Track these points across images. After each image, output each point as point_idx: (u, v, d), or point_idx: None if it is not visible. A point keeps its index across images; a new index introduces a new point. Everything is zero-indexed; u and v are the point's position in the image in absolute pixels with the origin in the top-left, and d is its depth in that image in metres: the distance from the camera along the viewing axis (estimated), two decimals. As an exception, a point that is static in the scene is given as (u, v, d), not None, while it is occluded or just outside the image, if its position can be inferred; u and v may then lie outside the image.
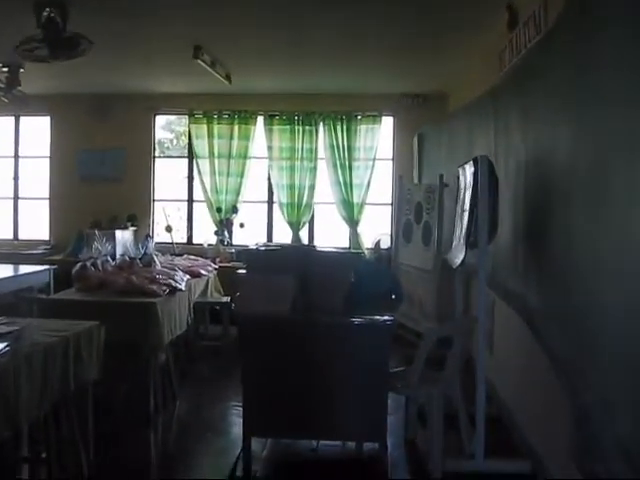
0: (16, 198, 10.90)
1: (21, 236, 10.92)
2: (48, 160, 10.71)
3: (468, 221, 4.58)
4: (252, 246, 4.92)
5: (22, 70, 7.80)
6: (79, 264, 6.57)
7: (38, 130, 10.82)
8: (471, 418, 4.74)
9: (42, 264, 9.00)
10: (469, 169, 4.65)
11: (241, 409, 4.66)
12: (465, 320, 5.42)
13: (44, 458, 4.43)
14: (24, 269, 8.58)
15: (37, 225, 10.86)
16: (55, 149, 10.66)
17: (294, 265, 4.29)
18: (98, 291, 6.15)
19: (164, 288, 6.18)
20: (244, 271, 4.55)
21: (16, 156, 10.86)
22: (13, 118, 10.78)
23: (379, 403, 4.35)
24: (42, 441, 4.41)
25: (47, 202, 10.74)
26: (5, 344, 3.82)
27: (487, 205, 4.36)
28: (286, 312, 4.25)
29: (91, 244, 7.04)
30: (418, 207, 7.99)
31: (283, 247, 5.13)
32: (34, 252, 10.18)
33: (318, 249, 4.75)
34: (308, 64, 8.28)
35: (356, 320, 4.30)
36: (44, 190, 10.76)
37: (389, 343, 4.33)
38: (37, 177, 10.83)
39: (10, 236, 10.91)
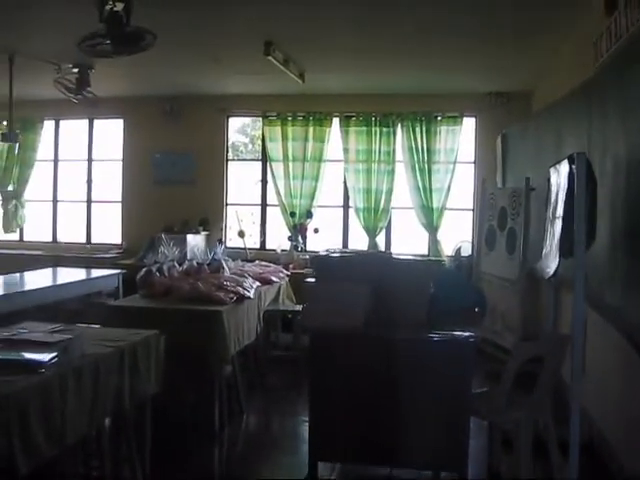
0: (89, 202, 10.82)
1: (94, 240, 10.83)
2: (121, 163, 10.59)
3: (562, 227, 4.10)
4: (322, 252, 4.53)
5: (92, 71, 7.66)
6: (144, 269, 6.33)
7: (111, 133, 10.71)
8: (561, 445, 4.25)
9: (113, 268, 8.88)
10: (563, 169, 4.17)
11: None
12: (557, 337, 4.92)
13: (96, 476, 4.15)
14: (94, 273, 8.46)
15: (110, 229, 10.75)
16: (128, 152, 10.54)
17: (369, 274, 3.88)
18: (163, 298, 5.90)
19: (231, 295, 5.87)
20: (313, 279, 4.18)
21: (89, 159, 10.79)
22: (87, 121, 10.71)
23: (460, 428, 3.91)
24: (96, 457, 4.13)
25: (120, 206, 10.61)
26: (52, 355, 3.52)
27: (585, 208, 3.87)
28: (359, 326, 3.84)
29: (165, 247, 6.78)
30: (502, 212, 7.56)
31: (357, 254, 4.71)
32: (106, 256, 10.07)
33: (394, 256, 4.31)
34: (386, 62, 7.88)
35: (436, 336, 3.87)
36: (117, 194, 10.63)
37: (472, 362, 3.89)
38: (110, 180, 10.73)
39: (83, 240, 10.83)
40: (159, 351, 4.47)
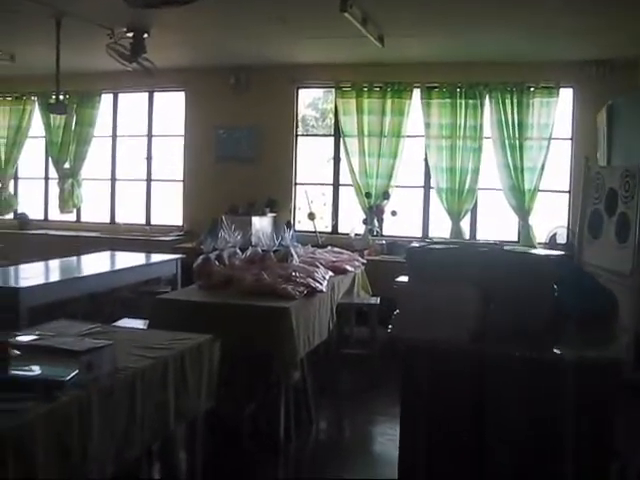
0: (149, 180, 10.19)
1: (153, 221, 10.20)
2: (182, 139, 9.89)
3: None
4: (416, 243, 3.65)
5: (147, 35, 6.94)
6: (201, 257, 5.58)
7: (172, 107, 10.06)
8: None
9: (173, 252, 8.25)
10: None
11: (392, 436, 3.79)
12: None
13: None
14: (153, 258, 7.84)
15: (170, 210, 10.09)
16: (190, 127, 9.87)
17: (478, 272, 2.99)
18: (222, 290, 5.13)
19: (301, 289, 5.05)
20: (405, 278, 3.31)
21: (149, 135, 10.15)
22: (147, 94, 10.06)
23: (598, 476, 3.00)
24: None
25: (181, 185, 9.93)
26: (72, 373, 2.75)
27: None
28: (466, 340, 2.96)
29: (225, 231, 6.02)
30: (611, 195, 6.64)
31: (463, 246, 3.81)
32: (166, 239, 9.43)
33: (507, 249, 3.40)
34: (474, 24, 6.97)
35: (568, 355, 2.97)
36: (178, 172, 9.95)
37: (616, 392, 2.97)
38: (171, 158, 10.07)
39: (142, 221, 10.21)
40: (213, 360, 3.67)
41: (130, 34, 6.93)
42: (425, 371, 3.01)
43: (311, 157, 9.77)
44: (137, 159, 10.22)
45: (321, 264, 5.97)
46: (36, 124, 10.53)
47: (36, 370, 2.79)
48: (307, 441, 5.12)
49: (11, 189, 10.89)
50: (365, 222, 8.99)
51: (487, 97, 8.70)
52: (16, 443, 2.29)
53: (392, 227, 9.10)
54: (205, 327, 3.97)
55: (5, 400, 2.52)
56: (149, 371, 3.08)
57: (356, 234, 9.02)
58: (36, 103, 10.36)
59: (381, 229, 9.02)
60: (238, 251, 5.84)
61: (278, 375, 4.74)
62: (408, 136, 9.02)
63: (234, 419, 4.77)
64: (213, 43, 8.09)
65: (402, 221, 9.08)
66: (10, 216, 10.81)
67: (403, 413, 3.23)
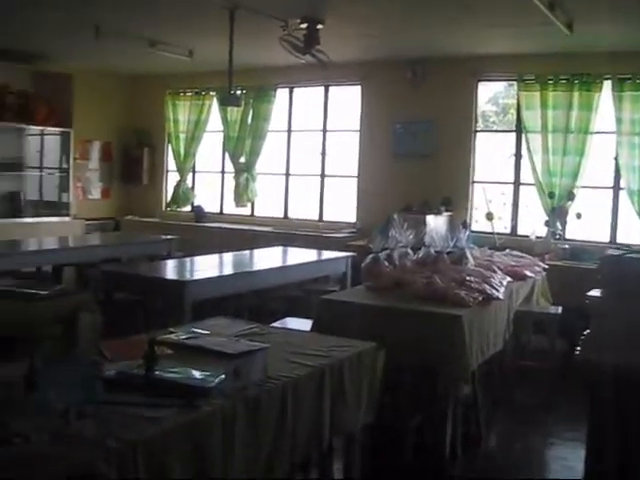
0: (323, 176, 10.03)
1: (326, 217, 10.03)
2: (357, 134, 9.65)
3: None
4: (612, 251, 3.17)
5: (321, 27, 6.74)
6: (370, 256, 5.30)
7: (348, 101, 9.84)
8: None
9: (345, 250, 8.10)
10: None
11: (571, 464, 3.65)
12: None
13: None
14: (324, 255, 7.71)
15: (344, 206, 9.89)
16: (365, 122, 9.59)
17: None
18: (390, 293, 4.82)
19: (475, 295, 4.65)
20: (597, 292, 2.86)
21: (324, 130, 9.98)
22: (322, 88, 9.90)
23: None
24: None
25: (355, 181, 9.70)
26: (218, 379, 2.53)
27: None
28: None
29: (397, 230, 5.71)
30: None
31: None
32: (338, 235, 9.23)
33: None
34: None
35: None
36: (352, 167, 9.72)
37: None
38: (346, 153, 9.86)
39: (315, 217, 10.07)
40: (376, 370, 3.38)
41: (304, 25, 6.75)
42: (620, 402, 2.56)
43: (490, 154, 9.24)
44: (311, 154, 10.10)
45: (498, 268, 5.54)
46: (214, 119, 10.67)
47: (182, 373, 2.60)
48: (474, 459, 4.72)
49: (189, 182, 11.10)
50: (547, 224, 8.37)
51: (690, 90, 7.86)
52: (150, 453, 2.09)
53: (576, 230, 8.43)
54: (370, 331, 3.81)
55: (146, 405, 2.34)
56: (303, 382, 2.82)
57: (537, 237, 8.42)
58: (214, 98, 10.49)
59: (564, 232, 8.35)
60: (410, 251, 5.52)
61: (446, 387, 4.39)
62: (596, 132, 8.29)
63: (397, 430, 4.45)
64: (390, 34, 7.76)
65: (588, 224, 8.40)
66: (187, 208, 11.04)
67: (590, 445, 2.79)
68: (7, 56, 9.11)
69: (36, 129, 10.06)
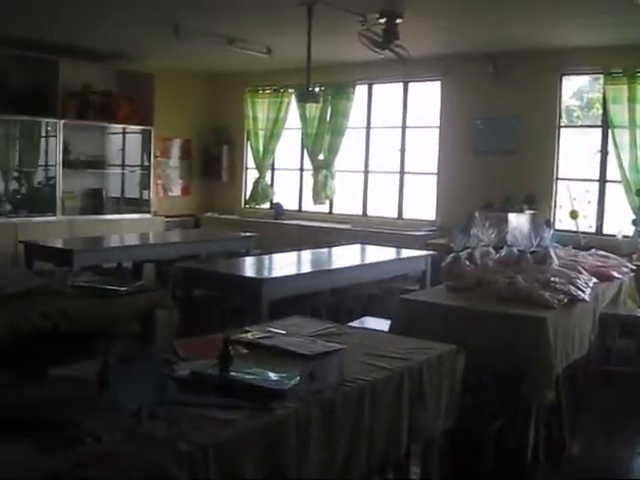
0: (402, 173, 9.90)
1: (405, 215, 9.90)
2: (437, 130, 9.50)
3: None
4: None
5: (400, 21, 6.62)
6: (451, 255, 5.17)
7: (427, 97, 9.70)
8: None
9: (424, 248, 8.00)
10: None
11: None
12: None
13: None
14: (403, 254, 7.62)
15: (423, 204, 9.76)
16: (445, 118, 9.43)
17: None
18: (471, 293, 4.69)
19: (560, 297, 4.47)
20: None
21: (403, 126, 9.85)
22: (401, 84, 9.78)
23: None
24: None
25: (435, 178, 9.55)
26: (293, 381, 2.46)
27: None
28: None
29: (479, 228, 5.56)
30: None
31: None
32: (417, 233, 9.10)
33: None
34: None
35: None
36: (432, 164, 9.58)
37: None
38: (425, 150, 9.72)
39: (394, 215, 9.96)
40: (456, 373, 3.26)
41: (382, 20, 6.64)
42: None
43: (575, 150, 8.96)
44: (390, 151, 9.98)
45: (584, 269, 5.34)
46: (293, 116, 10.66)
47: (257, 374, 2.55)
48: (557, 465, 4.53)
49: (268, 179, 11.13)
50: (634, 223, 8.06)
51: None
52: (221, 457, 2.03)
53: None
54: (450, 332, 3.75)
55: (218, 407, 2.29)
56: (380, 385, 2.73)
57: (624, 236, 8.13)
58: (293, 95, 10.47)
59: (653, 233, 8.07)
60: (491, 250, 5.36)
61: (530, 391, 4.23)
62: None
63: (477, 434, 4.32)
64: (470, 27, 7.59)
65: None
66: (266, 206, 11.06)
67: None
68: (91, 56, 9.28)
69: (118, 127, 10.22)
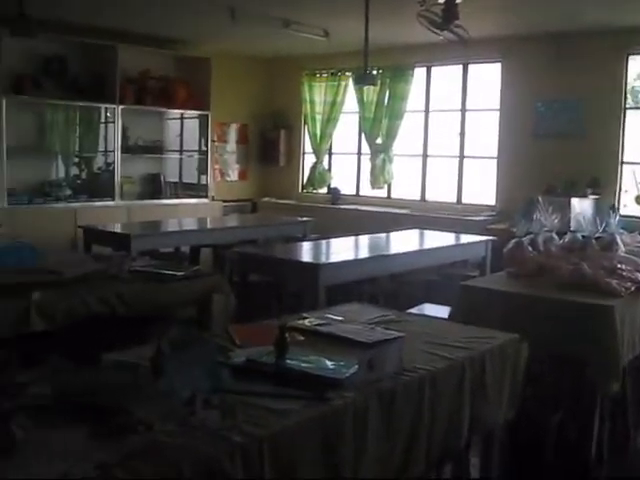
0: (461, 157, 9.73)
1: (464, 200, 9.74)
2: (497, 113, 9.30)
3: None
4: None
5: (460, 1, 6.44)
6: (513, 241, 5.01)
7: (487, 80, 9.49)
8: None
9: (484, 233, 7.82)
10: None
11: None
12: None
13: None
14: (462, 239, 7.46)
15: (483, 188, 9.58)
16: (506, 101, 9.23)
17: None
18: (534, 280, 4.54)
19: (627, 284, 4.29)
20: None
21: (463, 110, 9.68)
22: (460, 66, 9.60)
23: None
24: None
25: (495, 162, 9.36)
26: (351, 370, 2.39)
27: None
28: None
29: (542, 213, 5.40)
30: None
31: None
32: (476, 219, 8.96)
33: None
34: None
35: None
36: (492, 148, 9.37)
37: None
38: (485, 133, 9.54)
39: (453, 199, 9.80)
40: (519, 364, 3.14)
41: (442, 0, 6.48)
42: None
43: (641, 133, 8.70)
44: (449, 135, 9.82)
45: (652, 255, 5.14)
46: (350, 100, 10.55)
47: (313, 362, 2.48)
48: (622, 460, 4.38)
49: (325, 164, 11.05)
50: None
51: None
52: (276, 449, 1.97)
53: None
54: (511, 319, 3.68)
55: (273, 396, 2.23)
56: (441, 375, 2.63)
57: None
58: (350, 79, 10.35)
59: None
60: (555, 236, 5.19)
61: (594, 383, 4.08)
62: None
63: (537, 426, 4.18)
64: (532, 7, 7.36)
65: None
66: (323, 190, 11.00)
67: None
68: (148, 42, 9.30)
69: (176, 112, 10.25)
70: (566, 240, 5.20)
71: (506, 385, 3.06)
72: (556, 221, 5.27)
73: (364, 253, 6.80)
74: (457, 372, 2.72)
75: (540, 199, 5.76)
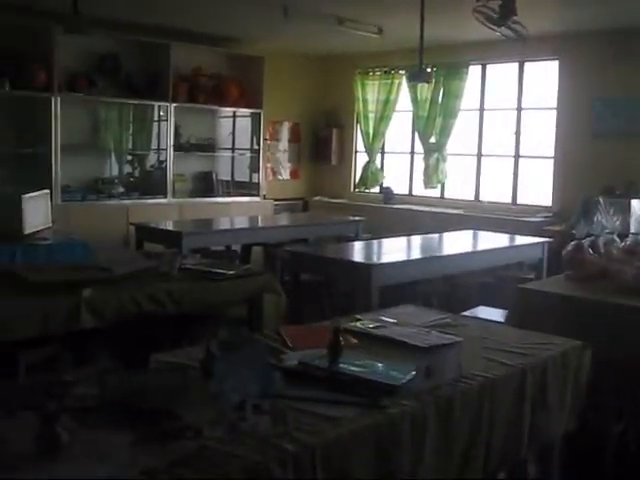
0: (517, 156, 9.50)
1: (520, 200, 9.51)
2: (554, 112, 9.07)
3: None
4: None
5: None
6: (573, 243, 4.86)
7: (544, 78, 9.26)
8: None
9: (540, 235, 7.57)
10: None
11: None
12: None
13: None
14: (517, 240, 7.27)
15: (539, 189, 9.35)
16: (563, 99, 8.97)
17: None
18: (596, 283, 4.38)
19: (691, 288, 4.13)
20: None
21: (519, 108, 9.45)
22: (516, 64, 9.38)
23: None
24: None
25: (551, 162, 9.13)
26: (408, 377, 2.28)
27: None
28: None
29: (603, 215, 5.24)
30: None
31: None
32: (532, 220, 8.73)
33: None
34: None
35: None
36: (548, 148, 9.15)
37: None
38: (541, 133, 9.30)
39: (508, 200, 9.58)
40: (581, 371, 3.01)
41: (500, -5, 6.33)
42: None
43: None
44: (505, 134, 9.60)
45: None
46: (403, 98, 10.41)
47: (368, 367, 2.38)
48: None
49: (378, 163, 10.93)
50: None
51: None
52: (328, 458, 1.88)
53: None
54: (571, 324, 3.58)
55: (326, 402, 2.14)
56: (501, 383, 2.52)
57: None
58: (403, 77, 10.20)
59: None
60: (616, 239, 5.02)
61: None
62: None
63: (598, 436, 4.03)
64: (592, 2, 7.14)
65: None
66: (376, 190, 10.86)
67: None
68: (201, 40, 9.30)
69: (228, 111, 10.22)
70: (628, 242, 5.02)
71: (568, 394, 2.93)
72: (617, 223, 5.10)
73: (417, 254, 6.68)
74: (517, 380, 2.61)
75: (601, 200, 5.59)
